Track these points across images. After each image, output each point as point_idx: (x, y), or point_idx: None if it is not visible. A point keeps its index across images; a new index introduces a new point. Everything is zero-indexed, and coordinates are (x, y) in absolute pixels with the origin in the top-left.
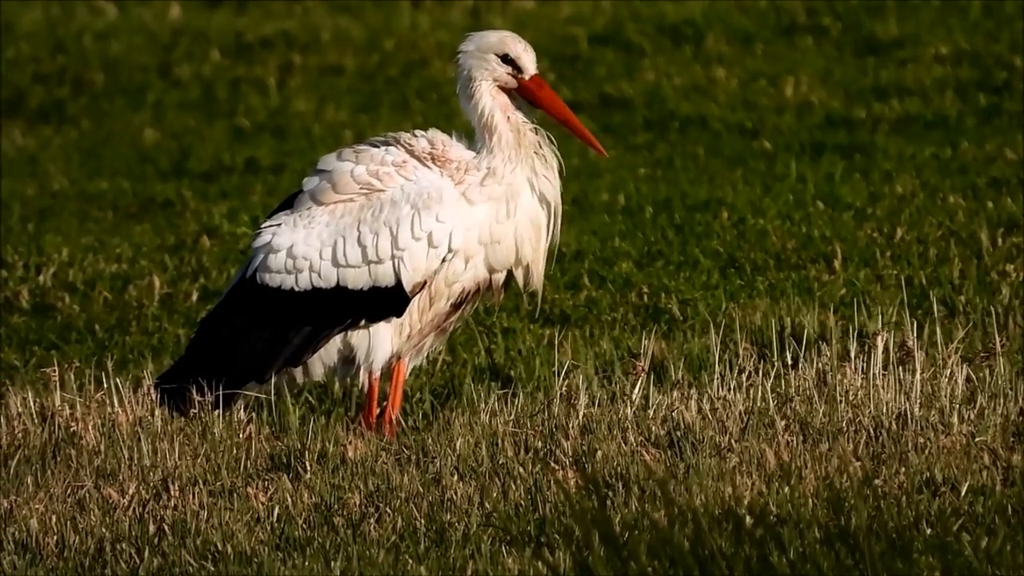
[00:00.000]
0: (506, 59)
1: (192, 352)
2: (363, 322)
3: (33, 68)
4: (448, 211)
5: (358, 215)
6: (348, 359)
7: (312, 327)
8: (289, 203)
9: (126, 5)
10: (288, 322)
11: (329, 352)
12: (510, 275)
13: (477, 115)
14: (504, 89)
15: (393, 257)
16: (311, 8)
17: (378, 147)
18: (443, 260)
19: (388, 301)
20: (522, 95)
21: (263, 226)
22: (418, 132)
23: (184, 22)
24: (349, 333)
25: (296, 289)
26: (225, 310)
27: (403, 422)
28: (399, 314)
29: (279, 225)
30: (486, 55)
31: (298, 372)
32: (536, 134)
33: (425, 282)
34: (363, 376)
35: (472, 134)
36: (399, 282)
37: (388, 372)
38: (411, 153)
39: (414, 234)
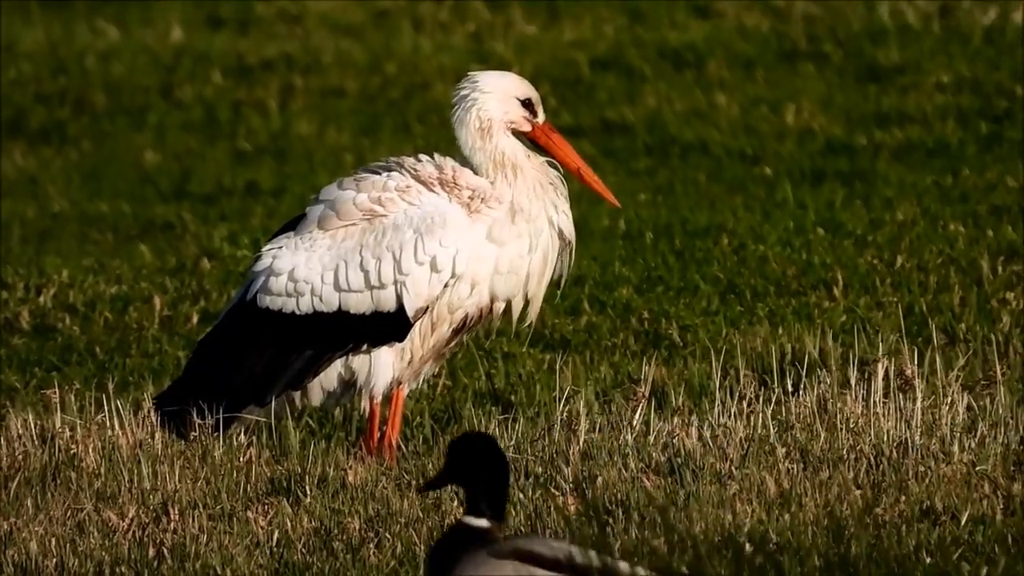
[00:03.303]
0: (527, 104)
1: (190, 374)
2: (365, 347)
3: (34, 88)
4: (451, 235)
5: (360, 239)
6: (349, 383)
7: (313, 351)
8: (290, 227)
9: (128, 26)
10: (289, 345)
11: (329, 376)
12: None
13: (498, 155)
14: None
15: (396, 282)
16: (313, 30)
17: (379, 174)
18: (446, 285)
19: (390, 326)
20: (530, 138)
21: (264, 249)
22: (423, 156)
23: (186, 44)
24: (350, 357)
25: (297, 313)
26: (223, 333)
27: (403, 447)
28: (401, 339)
29: (280, 248)
30: (509, 98)
31: (298, 396)
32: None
33: (427, 307)
34: (364, 401)
35: (468, 163)
36: (401, 307)
37: (387, 397)
38: (416, 178)
39: (417, 259)
